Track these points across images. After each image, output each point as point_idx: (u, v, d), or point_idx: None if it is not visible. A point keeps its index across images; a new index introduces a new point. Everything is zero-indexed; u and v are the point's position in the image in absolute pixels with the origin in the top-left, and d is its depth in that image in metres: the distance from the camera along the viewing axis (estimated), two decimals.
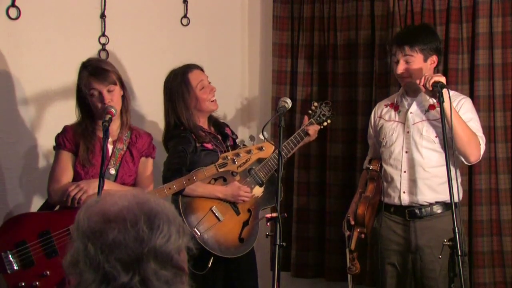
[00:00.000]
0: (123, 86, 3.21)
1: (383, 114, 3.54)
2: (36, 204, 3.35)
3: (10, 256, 2.97)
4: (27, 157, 3.54)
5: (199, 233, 3.29)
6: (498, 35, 3.82)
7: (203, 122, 3.53)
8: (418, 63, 3.33)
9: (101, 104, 3.09)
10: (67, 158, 3.16)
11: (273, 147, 3.13)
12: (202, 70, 3.55)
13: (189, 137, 3.40)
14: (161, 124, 4.09)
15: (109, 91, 3.11)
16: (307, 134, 3.66)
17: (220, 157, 3.07)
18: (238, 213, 3.45)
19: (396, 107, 3.50)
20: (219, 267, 3.39)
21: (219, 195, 3.39)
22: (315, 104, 3.78)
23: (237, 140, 3.66)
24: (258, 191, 3.53)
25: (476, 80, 3.86)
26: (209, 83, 3.52)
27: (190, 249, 1.52)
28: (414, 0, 3.96)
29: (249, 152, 3.06)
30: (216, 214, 3.38)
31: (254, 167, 3.48)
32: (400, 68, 3.35)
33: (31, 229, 3.00)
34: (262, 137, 3.15)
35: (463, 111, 3.32)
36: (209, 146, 3.45)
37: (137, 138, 3.27)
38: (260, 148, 3.08)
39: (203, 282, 3.32)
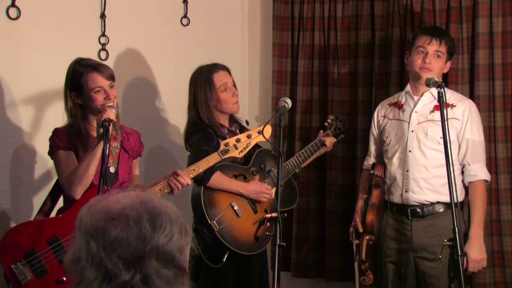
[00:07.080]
0: None
1: (387, 113, 3.53)
2: (37, 204, 3.34)
3: (21, 267, 2.89)
4: (27, 157, 3.53)
5: (218, 227, 3.31)
6: (498, 35, 3.82)
7: (223, 121, 3.55)
8: (442, 62, 3.33)
9: (105, 100, 3.04)
10: (68, 155, 3.08)
11: (271, 129, 3.17)
12: (228, 71, 3.57)
13: (212, 132, 3.44)
14: (160, 124, 4.09)
15: (111, 86, 3.09)
16: (323, 145, 3.74)
17: (221, 144, 3.08)
18: (255, 211, 3.46)
19: (400, 105, 3.49)
20: (232, 264, 3.40)
21: (242, 191, 3.41)
22: (331, 117, 3.88)
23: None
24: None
25: (476, 80, 3.85)
26: (234, 85, 3.54)
27: (192, 249, 1.52)
28: (414, 0, 3.96)
29: (249, 136, 3.10)
30: (236, 209, 3.40)
31: (273, 169, 3.53)
32: (429, 58, 3.31)
33: (37, 237, 2.93)
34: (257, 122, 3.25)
35: (469, 129, 3.33)
36: None
37: (128, 136, 3.27)
38: (259, 132, 3.11)
39: (216, 277, 3.35)
